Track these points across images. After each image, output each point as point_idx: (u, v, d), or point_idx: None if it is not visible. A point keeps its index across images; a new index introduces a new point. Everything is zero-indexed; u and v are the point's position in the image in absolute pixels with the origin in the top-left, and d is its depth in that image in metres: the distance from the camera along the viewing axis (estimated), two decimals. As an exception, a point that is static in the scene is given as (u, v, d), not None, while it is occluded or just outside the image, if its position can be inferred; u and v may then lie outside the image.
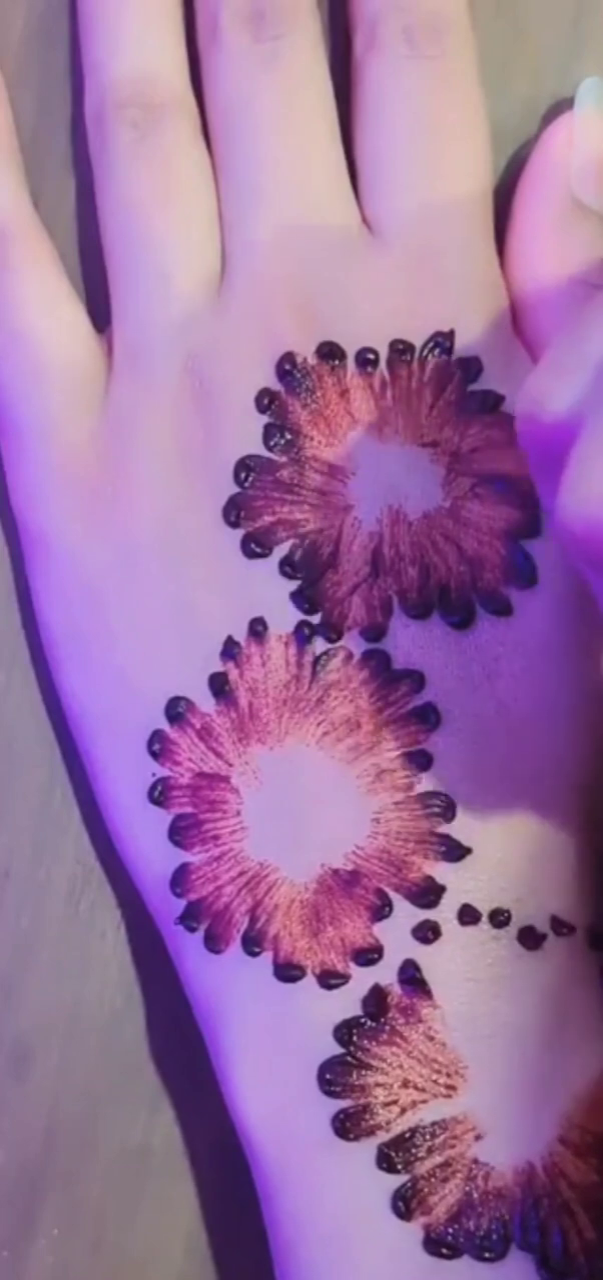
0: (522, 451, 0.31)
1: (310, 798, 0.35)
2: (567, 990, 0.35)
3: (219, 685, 0.36)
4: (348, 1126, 0.34)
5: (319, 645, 0.36)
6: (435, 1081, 0.34)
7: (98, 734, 0.37)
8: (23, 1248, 0.38)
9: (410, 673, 0.35)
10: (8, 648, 0.38)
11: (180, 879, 0.36)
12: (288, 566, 0.36)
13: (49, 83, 0.39)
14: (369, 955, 0.35)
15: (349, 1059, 0.34)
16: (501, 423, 0.36)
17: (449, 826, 0.35)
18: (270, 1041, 0.35)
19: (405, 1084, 0.34)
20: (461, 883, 0.35)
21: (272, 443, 0.36)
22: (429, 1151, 0.34)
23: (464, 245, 0.37)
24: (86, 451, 0.37)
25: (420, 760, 0.35)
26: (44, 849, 0.38)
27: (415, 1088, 0.34)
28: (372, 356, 0.36)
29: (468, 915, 0.35)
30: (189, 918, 0.35)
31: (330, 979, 0.35)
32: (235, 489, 0.36)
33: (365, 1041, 0.35)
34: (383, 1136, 0.34)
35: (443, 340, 0.36)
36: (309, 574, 0.36)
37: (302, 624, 0.36)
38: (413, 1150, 0.34)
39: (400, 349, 0.36)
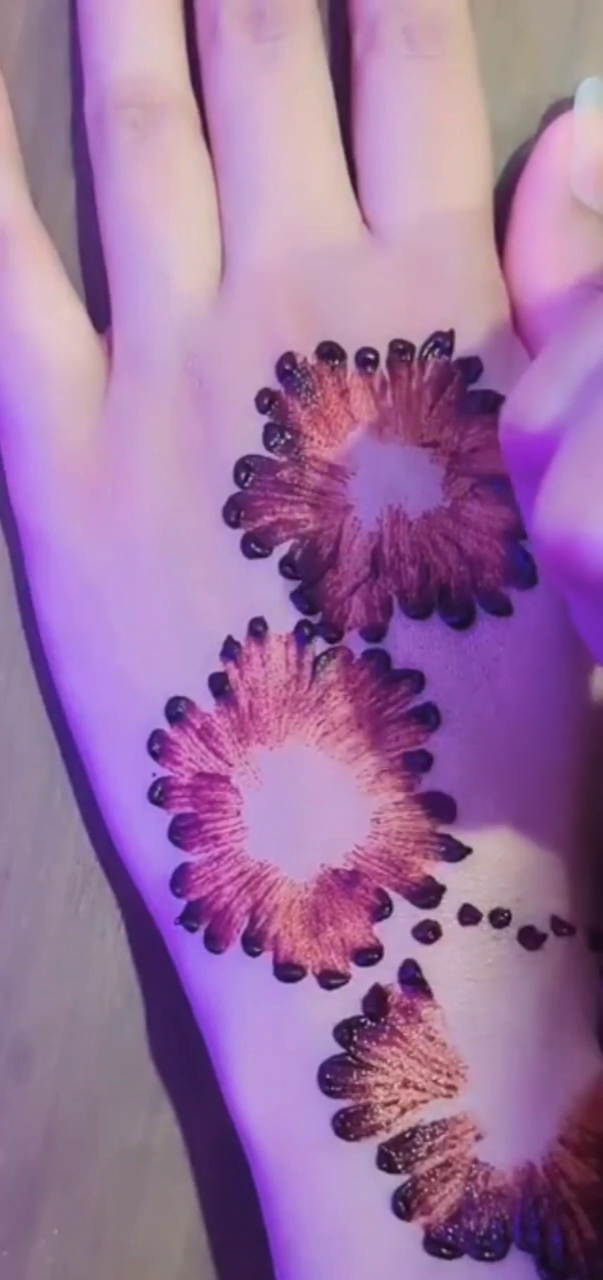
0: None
1: (310, 798, 0.35)
2: (567, 990, 0.35)
3: (219, 685, 0.36)
4: (348, 1126, 0.34)
5: (319, 645, 0.36)
6: (436, 1081, 0.34)
7: (98, 734, 0.37)
8: (23, 1248, 0.38)
9: (410, 673, 0.35)
10: (8, 648, 0.38)
11: (180, 879, 0.36)
12: (288, 566, 0.36)
13: (49, 83, 0.39)
14: (369, 955, 0.35)
15: (349, 1059, 0.34)
16: (500, 423, 0.36)
17: (449, 826, 0.35)
18: (270, 1041, 0.35)
19: (406, 1084, 0.34)
20: (461, 883, 0.35)
21: (272, 443, 0.36)
22: (429, 1151, 0.34)
23: (464, 245, 0.37)
24: (86, 451, 0.37)
25: (420, 760, 0.35)
26: (44, 849, 0.38)
27: (416, 1088, 0.34)
28: (372, 356, 0.36)
29: (468, 915, 0.35)
30: (189, 918, 0.35)
31: (330, 979, 0.35)
32: (235, 489, 0.36)
33: (366, 1041, 0.35)
34: (383, 1136, 0.34)
35: (443, 340, 0.36)
36: (309, 574, 0.36)
37: (302, 624, 0.36)
38: (413, 1150, 0.34)
39: (400, 349, 0.36)
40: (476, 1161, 0.34)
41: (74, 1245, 0.38)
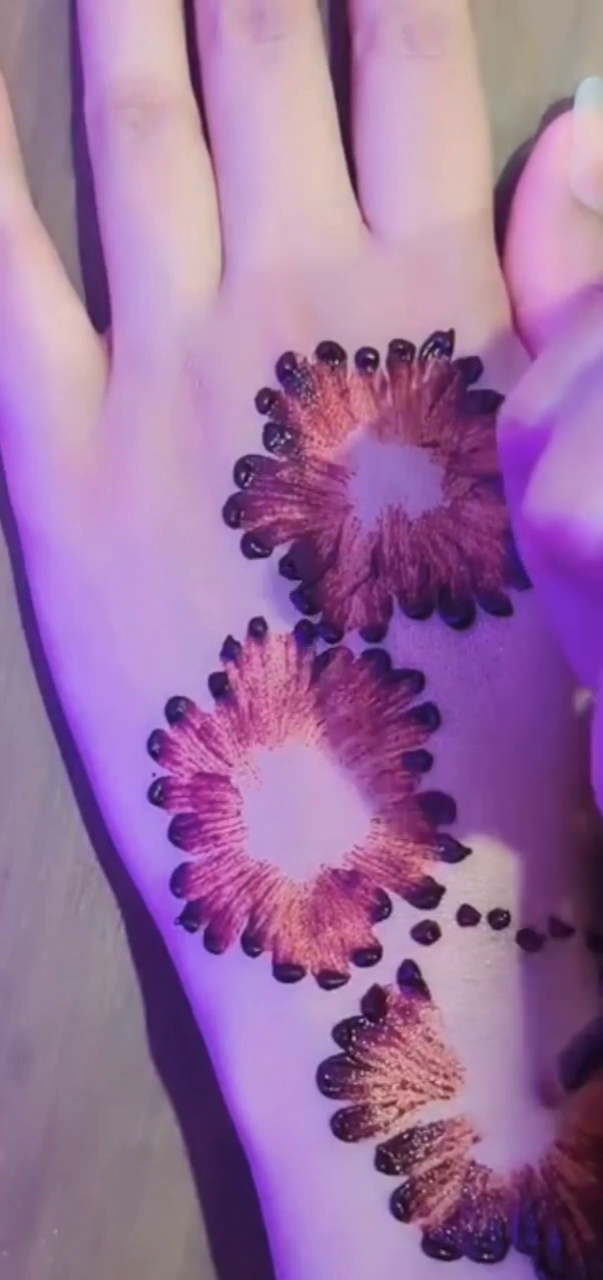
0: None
1: (310, 798, 0.35)
2: (566, 992, 0.35)
3: (219, 685, 0.36)
4: (347, 1127, 0.34)
5: (319, 645, 0.36)
6: (433, 1083, 0.34)
7: (98, 734, 0.37)
8: (23, 1248, 0.38)
9: (410, 673, 0.35)
10: (8, 648, 0.38)
11: (180, 879, 0.36)
12: (288, 566, 0.36)
13: (49, 83, 0.39)
14: (368, 956, 0.35)
15: (348, 1059, 0.34)
16: (500, 423, 0.36)
17: (449, 827, 0.35)
18: (270, 1042, 0.35)
19: (404, 1085, 0.34)
20: (460, 883, 0.35)
21: (272, 443, 0.36)
22: (427, 1153, 0.34)
23: (464, 246, 0.37)
24: (86, 451, 0.37)
25: (420, 760, 0.35)
26: (44, 849, 0.38)
27: (414, 1089, 0.34)
28: (372, 356, 0.36)
29: (467, 916, 0.35)
30: (189, 918, 0.35)
31: (330, 979, 0.35)
32: (235, 489, 0.36)
33: (364, 1042, 0.34)
34: (381, 1137, 0.34)
35: (443, 340, 0.36)
36: (309, 574, 0.36)
37: (302, 624, 0.36)
38: (411, 1152, 0.34)
39: (400, 349, 0.36)
40: (473, 1163, 0.34)
41: (74, 1245, 0.38)
